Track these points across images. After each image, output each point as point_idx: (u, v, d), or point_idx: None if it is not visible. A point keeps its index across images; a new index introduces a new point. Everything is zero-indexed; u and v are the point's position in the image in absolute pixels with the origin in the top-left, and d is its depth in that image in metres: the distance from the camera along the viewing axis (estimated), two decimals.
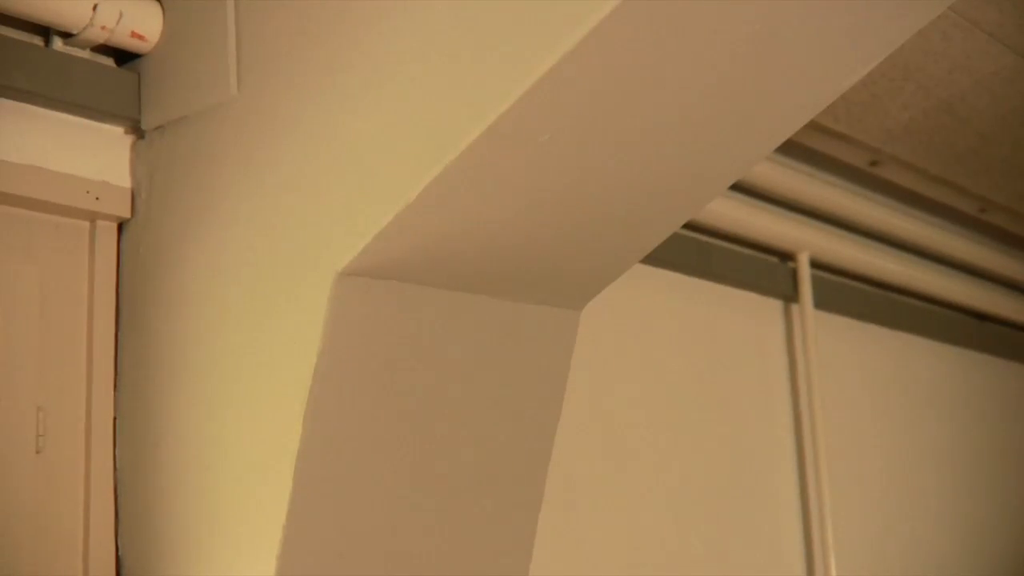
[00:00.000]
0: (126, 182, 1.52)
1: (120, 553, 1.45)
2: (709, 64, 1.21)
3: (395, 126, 1.22)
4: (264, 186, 1.34)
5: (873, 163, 3.01)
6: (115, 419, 1.48)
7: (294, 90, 1.33)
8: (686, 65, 1.19)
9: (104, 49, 1.52)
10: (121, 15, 1.46)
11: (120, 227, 1.52)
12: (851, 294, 3.05)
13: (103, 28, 1.46)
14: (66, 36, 1.48)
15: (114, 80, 1.52)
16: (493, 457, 1.44)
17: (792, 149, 2.83)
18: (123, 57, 1.54)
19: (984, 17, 2.49)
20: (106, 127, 1.52)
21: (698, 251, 2.51)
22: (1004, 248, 3.69)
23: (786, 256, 2.79)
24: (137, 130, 1.53)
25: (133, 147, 1.53)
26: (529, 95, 1.13)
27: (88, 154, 1.50)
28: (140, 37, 1.49)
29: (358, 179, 1.24)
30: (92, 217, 1.50)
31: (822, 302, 2.84)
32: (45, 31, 1.49)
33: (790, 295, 2.78)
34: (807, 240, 2.78)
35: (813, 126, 2.75)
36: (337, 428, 1.28)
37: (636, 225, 1.41)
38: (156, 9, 1.51)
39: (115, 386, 1.49)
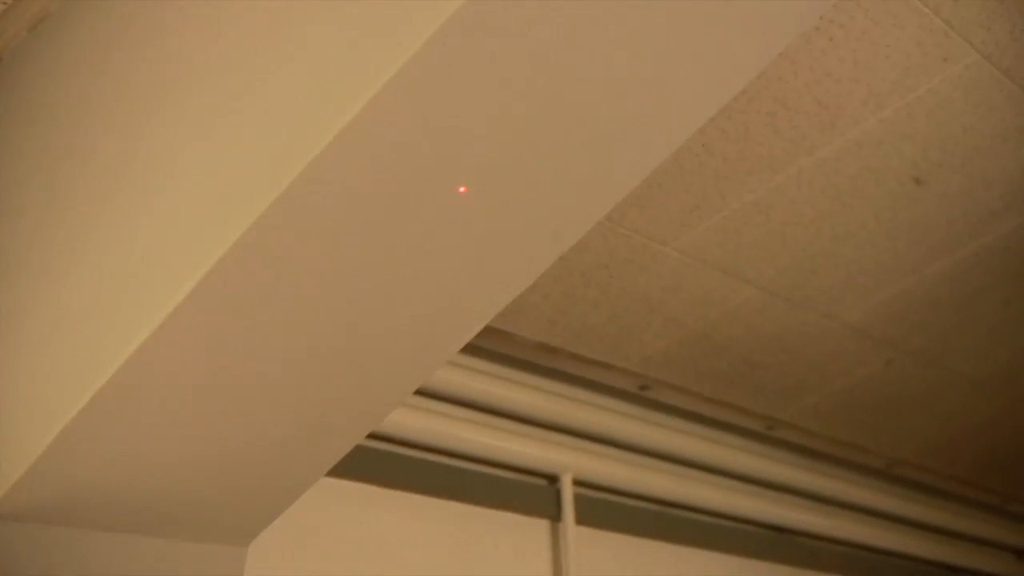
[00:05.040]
0: None
1: None
2: (343, 292, 1.31)
3: (28, 382, 1.36)
4: None
5: (643, 387, 3.17)
6: None
7: None
8: (314, 294, 1.33)
9: None
10: None
11: None
12: (624, 512, 3.11)
13: None
14: None
15: None
16: None
17: (562, 375, 3.00)
18: None
19: (712, 256, 2.65)
20: None
21: (454, 476, 2.62)
22: (798, 461, 3.81)
23: (551, 477, 2.89)
24: None
25: None
26: (145, 346, 1.26)
27: None
28: None
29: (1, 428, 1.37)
30: None
31: (593, 520, 2.91)
32: None
33: (555, 515, 2.86)
34: (570, 462, 2.88)
35: (573, 356, 2.92)
36: None
37: (294, 459, 1.53)
38: None
39: None
